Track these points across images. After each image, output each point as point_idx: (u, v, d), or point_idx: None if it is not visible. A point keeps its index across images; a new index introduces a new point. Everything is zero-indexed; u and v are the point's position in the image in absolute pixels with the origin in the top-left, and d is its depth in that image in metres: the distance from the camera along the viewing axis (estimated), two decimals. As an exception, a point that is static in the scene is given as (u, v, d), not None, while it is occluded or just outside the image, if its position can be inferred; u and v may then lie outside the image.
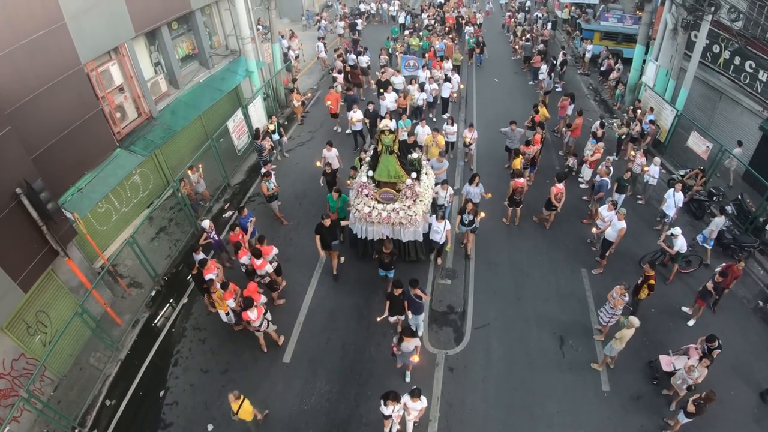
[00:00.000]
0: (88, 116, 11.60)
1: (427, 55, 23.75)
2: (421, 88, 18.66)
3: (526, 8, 35.74)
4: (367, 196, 11.52)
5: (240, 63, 18.18)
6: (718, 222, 12.07)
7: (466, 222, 11.72)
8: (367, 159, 12.53)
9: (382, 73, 20.38)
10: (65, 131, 10.96)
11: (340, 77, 20.72)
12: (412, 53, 24.53)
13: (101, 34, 11.90)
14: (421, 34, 26.93)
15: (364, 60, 22.30)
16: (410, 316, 10.04)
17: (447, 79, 19.52)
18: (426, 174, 12.36)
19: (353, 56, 22.30)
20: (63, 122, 10.92)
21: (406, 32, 28.01)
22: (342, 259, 11.66)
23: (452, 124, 15.91)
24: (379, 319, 9.92)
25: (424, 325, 10.94)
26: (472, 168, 16.36)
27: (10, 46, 9.39)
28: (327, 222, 11.00)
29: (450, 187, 12.51)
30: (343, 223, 11.97)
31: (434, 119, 19.47)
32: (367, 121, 16.85)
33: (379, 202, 11.47)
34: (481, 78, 24.61)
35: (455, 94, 20.02)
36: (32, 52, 9.93)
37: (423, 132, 15.39)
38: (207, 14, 17.18)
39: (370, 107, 16.77)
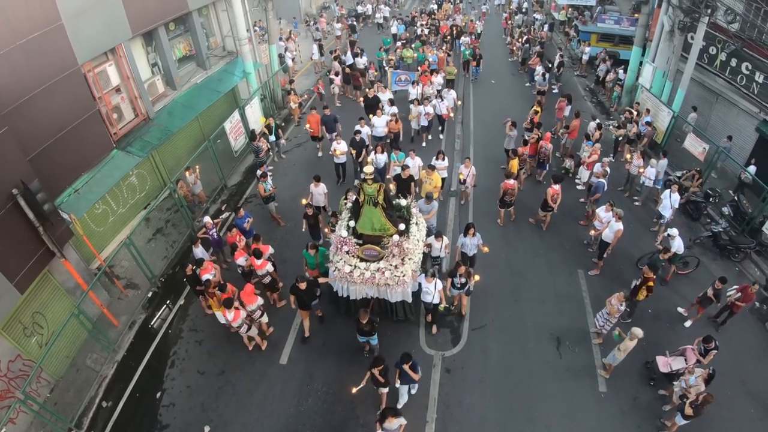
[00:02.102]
0: (84, 117, 11.57)
1: (420, 68, 21.65)
2: (392, 103, 17.21)
3: (524, 10, 35.78)
4: (347, 253, 10.00)
5: (237, 64, 18.18)
6: (663, 164, 14.24)
7: (458, 285, 10.29)
8: (348, 205, 10.85)
9: (370, 89, 18.62)
10: (62, 132, 10.93)
11: (338, 79, 20.73)
12: (405, 66, 23.09)
13: (98, 34, 11.89)
14: (414, 45, 24.69)
15: (362, 62, 22.31)
16: (398, 383, 8.85)
17: (439, 95, 18.04)
18: (416, 224, 10.75)
19: (349, 55, 22.27)
20: (60, 123, 10.89)
21: (398, 43, 25.60)
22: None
23: (443, 159, 13.80)
24: (354, 390, 8.58)
25: (422, 330, 10.96)
26: (463, 202, 14.78)
27: (7, 47, 9.37)
28: (302, 285, 9.55)
29: (445, 238, 10.88)
30: (321, 280, 10.27)
31: (426, 142, 17.94)
32: (353, 152, 14.93)
33: (361, 260, 9.98)
34: (478, 89, 23.49)
35: (451, 114, 18.38)
36: (29, 53, 9.91)
37: (414, 164, 13.57)
38: (204, 15, 17.18)
39: (357, 137, 14.76)
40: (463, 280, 10.15)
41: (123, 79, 13.19)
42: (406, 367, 8.33)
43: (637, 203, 14.59)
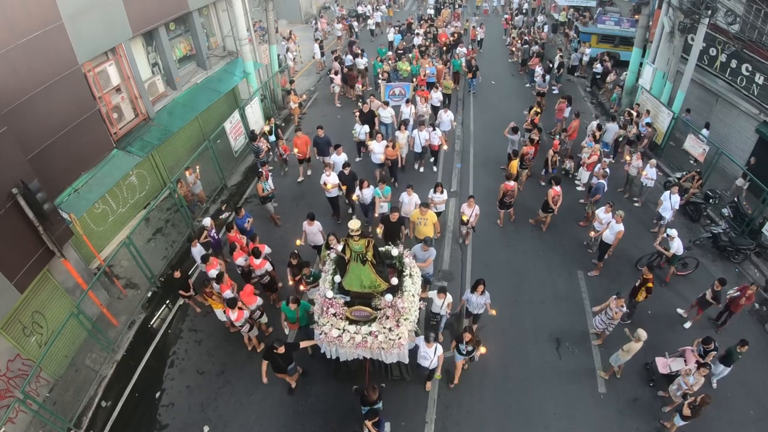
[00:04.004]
0: (85, 117, 11.56)
1: (415, 79, 20.19)
2: (363, 122, 15.69)
3: (524, 11, 35.73)
4: (335, 315, 8.73)
5: (237, 64, 18.17)
6: (612, 128, 15.67)
7: (464, 352, 9.10)
8: (333, 256, 9.53)
9: (365, 104, 16.80)
10: (62, 131, 10.92)
11: (337, 78, 20.73)
12: (399, 79, 20.92)
13: (99, 34, 11.88)
14: (410, 56, 22.65)
15: (362, 62, 22.31)
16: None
17: (432, 124, 16.34)
18: (410, 276, 9.29)
19: (350, 57, 22.31)
20: (60, 122, 10.88)
21: (389, 53, 23.44)
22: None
23: (441, 192, 12.36)
24: None
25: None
26: (466, 243, 13.32)
27: (7, 46, 9.37)
28: (281, 349, 8.52)
29: (449, 295, 9.59)
30: (304, 344, 9.06)
31: (423, 167, 16.37)
32: (344, 188, 13.26)
33: (351, 322, 8.73)
34: (478, 91, 22.79)
35: (445, 146, 16.01)
36: (29, 52, 9.90)
37: (409, 202, 12.00)
38: (205, 15, 17.17)
39: (346, 170, 13.12)
40: (470, 348, 9.03)
41: (123, 79, 13.18)
42: (368, 423, 7.95)
43: (636, 204, 14.59)
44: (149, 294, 12.15)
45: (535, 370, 10.13)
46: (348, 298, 8.93)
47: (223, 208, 14.99)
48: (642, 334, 8.98)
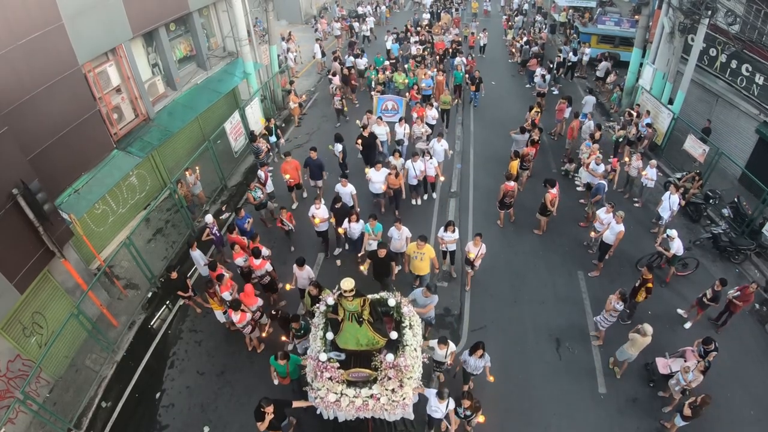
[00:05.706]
0: (85, 117, 11.58)
1: (409, 93, 18.83)
2: (338, 139, 14.58)
3: (524, 12, 35.71)
4: (330, 379, 7.72)
5: (237, 65, 18.19)
6: (590, 100, 17.04)
7: (461, 416, 8.49)
8: (322, 309, 8.56)
9: (364, 126, 15.26)
10: (62, 132, 10.94)
11: (336, 79, 20.72)
12: (394, 91, 19.86)
13: (99, 35, 11.90)
14: (406, 66, 21.24)
15: (362, 63, 22.32)
16: None
17: (428, 152, 14.28)
18: (410, 327, 8.27)
19: (351, 58, 22.32)
20: (60, 123, 10.90)
21: (386, 62, 21.68)
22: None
23: (453, 231, 11.22)
24: None
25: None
26: (467, 288, 12.10)
27: (7, 47, 9.39)
28: (269, 409, 7.77)
29: (451, 344, 9.01)
30: (297, 404, 8.15)
31: (417, 202, 14.81)
32: (333, 220, 12.20)
33: (349, 384, 7.81)
34: (478, 116, 20.57)
35: (441, 177, 14.41)
36: (29, 53, 9.92)
37: (399, 237, 11.10)
38: (205, 16, 17.18)
39: (338, 205, 12.01)
40: (468, 413, 8.37)
41: (123, 80, 13.20)
42: None
43: (636, 205, 14.58)
44: (149, 294, 12.16)
45: (535, 371, 10.13)
46: (343, 356, 8.07)
47: (224, 208, 15.00)
48: (648, 328, 8.98)
